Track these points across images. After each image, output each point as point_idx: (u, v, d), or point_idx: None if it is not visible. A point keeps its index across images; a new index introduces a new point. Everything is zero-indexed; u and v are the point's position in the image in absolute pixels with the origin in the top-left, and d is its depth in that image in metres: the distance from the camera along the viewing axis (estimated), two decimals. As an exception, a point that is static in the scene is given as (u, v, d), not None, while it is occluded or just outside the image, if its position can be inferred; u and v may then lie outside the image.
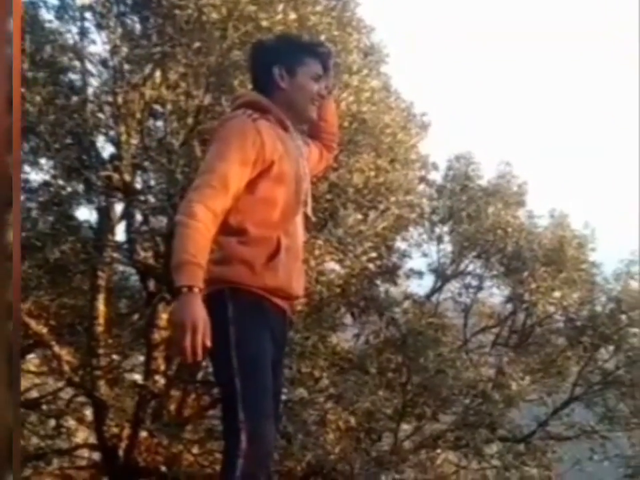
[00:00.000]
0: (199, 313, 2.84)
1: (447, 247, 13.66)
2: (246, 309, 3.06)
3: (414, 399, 10.53)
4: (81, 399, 13.59)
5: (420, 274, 13.25)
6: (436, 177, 13.56)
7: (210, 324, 2.98)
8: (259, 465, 2.92)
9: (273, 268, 3.13)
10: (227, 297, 3.07)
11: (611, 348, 12.40)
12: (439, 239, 13.61)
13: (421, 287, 13.27)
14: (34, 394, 14.02)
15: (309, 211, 3.29)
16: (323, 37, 9.06)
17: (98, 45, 10.20)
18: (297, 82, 3.25)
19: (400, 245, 13.11)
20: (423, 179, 13.19)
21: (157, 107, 10.35)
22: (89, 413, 13.87)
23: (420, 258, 13.61)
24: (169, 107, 9.53)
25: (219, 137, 3.15)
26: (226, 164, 3.02)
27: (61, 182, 11.10)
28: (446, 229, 13.58)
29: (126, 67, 9.87)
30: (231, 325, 3.01)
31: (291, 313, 3.38)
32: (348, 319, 11.65)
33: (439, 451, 11.47)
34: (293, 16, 8.75)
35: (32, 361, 14.06)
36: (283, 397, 11.47)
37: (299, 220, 3.30)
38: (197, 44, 8.46)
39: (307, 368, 10.22)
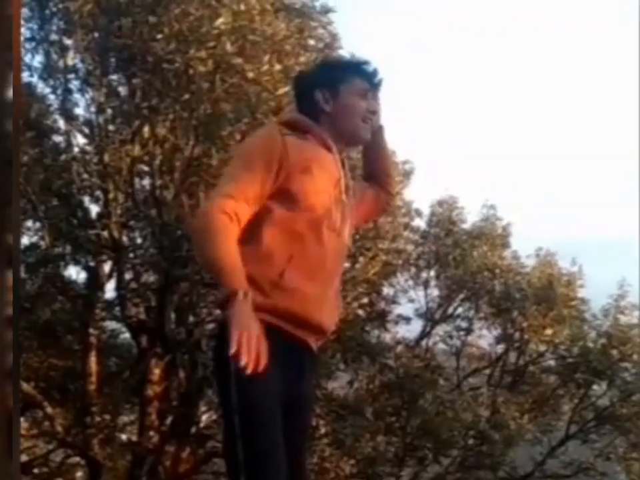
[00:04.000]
0: (258, 325, 2.59)
1: (434, 292, 13.77)
2: None
3: (414, 442, 10.51)
4: (73, 460, 13.45)
5: (407, 319, 13.34)
6: (420, 223, 13.73)
7: (215, 349, 2.81)
8: None
9: (284, 287, 2.76)
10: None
11: (604, 384, 12.47)
12: (426, 284, 13.71)
13: (409, 332, 13.36)
14: (24, 457, 13.85)
15: (347, 239, 2.96)
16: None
17: (83, 105, 10.33)
18: (342, 101, 2.99)
19: (388, 290, 13.23)
20: (407, 226, 13.33)
21: (145, 164, 10.45)
22: (80, 475, 13.72)
23: (407, 304, 13.69)
24: (157, 161, 9.60)
25: (244, 145, 3.04)
26: (248, 173, 2.80)
27: (49, 243, 11.13)
28: (432, 273, 13.69)
29: (112, 124, 9.97)
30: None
31: (317, 348, 2.97)
32: (341, 366, 11.65)
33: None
34: (278, 67, 8.89)
35: (21, 424, 13.93)
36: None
37: (330, 244, 2.91)
38: (185, 96, 8.55)
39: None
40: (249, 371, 2.53)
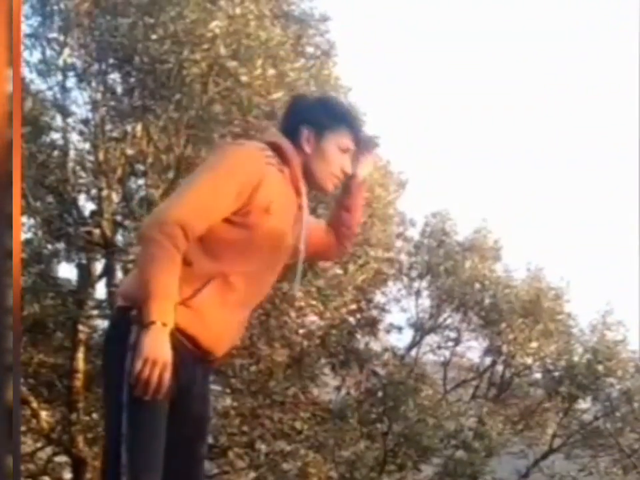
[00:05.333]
0: (169, 353, 2.64)
1: (426, 302, 13.84)
2: None
3: (395, 449, 10.60)
4: (59, 459, 13.48)
5: (399, 329, 13.41)
6: (413, 233, 13.80)
7: (109, 343, 2.86)
8: None
9: (190, 305, 2.76)
10: (133, 319, 2.70)
11: (589, 399, 12.57)
12: (418, 294, 13.79)
13: (400, 340, 13.44)
14: (12, 454, 13.84)
15: (296, 290, 3.03)
16: (300, 93, 9.33)
17: (79, 102, 10.43)
18: (323, 148, 2.96)
19: (379, 299, 13.30)
20: (400, 235, 13.41)
21: (138, 164, 10.56)
22: (66, 474, 13.74)
23: (399, 313, 13.77)
24: (150, 160, 9.69)
25: (225, 158, 2.87)
26: (218, 193, 2.76)
27: (42, 239, 11.21)
28: (424, 283, 13.76)
29: (107, 122, 10.07)
30: (129, 352, 2.67)
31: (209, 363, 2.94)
32: (328, 371, 11.74)
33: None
34: (272, 72, 8.98)
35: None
36: (264, 449, 11.55)
37: (254, 286, 2.90)
38: (177, 96, 8.65)
39: (289, 420, 10.26)
40: (146, 396, 2.62)
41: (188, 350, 2.76)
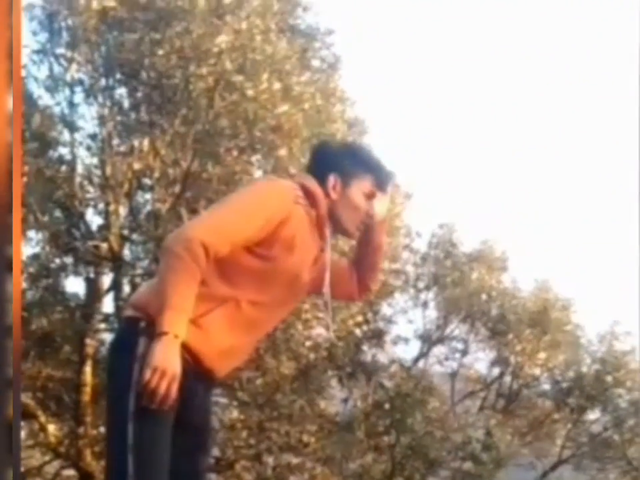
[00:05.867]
0: (179, 365, 2.68)
1: (432, 313, 13.84)
2: None
3: (402, 461, 10.59)
4: (67, 472, 13.49)
5: (406, 340, 13.40)
6: (420, 244, 13.81)
7: (115, 352, 2.88)
8: None
9: (199, 324, 2.80)
10: (141, 330, 2.75)
11: (598, 409, 12.54)
12: (424, 305, 13.78)
13: (407, 352, 13.43)
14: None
15: (331, 333, 3.07)
16: (306, 106, 9.36)
17: (87, 117, 10.48)
18: (348, 195, 3.04)
19: (386, 311, 13.30)
20: (407, 247, 13.42)
21: (145, 178, 10.61)
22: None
23: (406, 324, 13.76)
24: (157, 174, 9.73)
25: (257, 189, 3.01)
26: (244, 221, 2.84)
27: (50, 253, 11.26)
28: (431, 295, 13.76)
29: (114, 136, 10.12)
30: (136, 363, 2.69)
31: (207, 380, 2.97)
32: (334, 384, 11.74)
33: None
34: (277, 85, 9.02)
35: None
36: (271, 462, 11.54)
37: (264, 316, 2.97)
38: (183, 111, 8.69)
39: (296, 432, 10.26)
40: (153, 406, 2.64)
41: (189, 366, 2.79)
